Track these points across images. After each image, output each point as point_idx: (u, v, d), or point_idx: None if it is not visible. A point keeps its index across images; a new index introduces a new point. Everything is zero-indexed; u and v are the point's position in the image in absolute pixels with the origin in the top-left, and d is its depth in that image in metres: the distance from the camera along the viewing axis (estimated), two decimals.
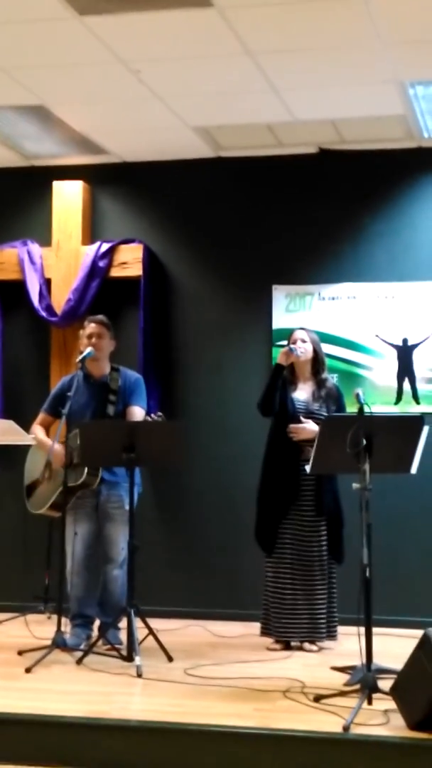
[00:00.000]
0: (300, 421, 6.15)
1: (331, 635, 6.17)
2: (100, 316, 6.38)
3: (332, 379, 6.62)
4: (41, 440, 6.27)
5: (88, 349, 6.18)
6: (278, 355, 6.31)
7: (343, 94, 6.47)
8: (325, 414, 6.11)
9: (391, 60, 5.91)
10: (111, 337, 6.31)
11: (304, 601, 6.11)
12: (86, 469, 5.97)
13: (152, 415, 5.94)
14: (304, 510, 6.15)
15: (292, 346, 6.24)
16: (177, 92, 6.46)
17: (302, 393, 6.29)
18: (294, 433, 6.13)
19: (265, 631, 6.23)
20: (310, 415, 6.18)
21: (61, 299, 7.59)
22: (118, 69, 6.08)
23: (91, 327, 6.27)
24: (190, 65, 6.05)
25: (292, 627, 6.12)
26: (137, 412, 6.14)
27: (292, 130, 7.06)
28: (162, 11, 5.35)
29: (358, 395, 5.26)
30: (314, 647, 6.12)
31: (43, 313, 7.60)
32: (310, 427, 6.08)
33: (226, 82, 6.27)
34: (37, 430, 6.33)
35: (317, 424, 5.98)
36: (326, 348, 6.80)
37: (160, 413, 5.94)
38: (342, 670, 5.40)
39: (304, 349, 6.26)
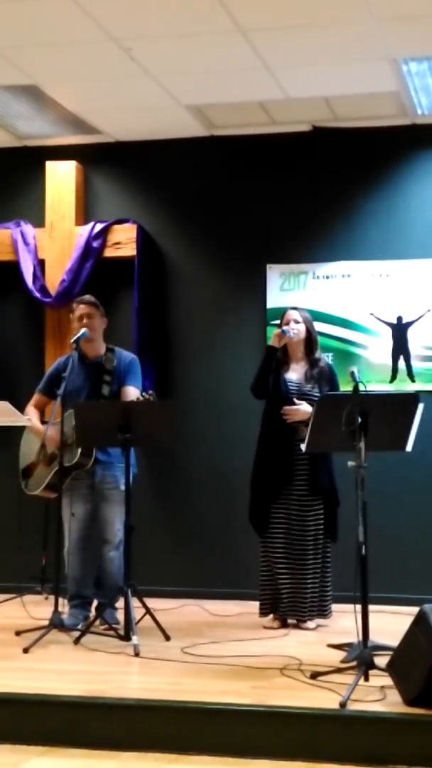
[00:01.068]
0: (293, 403, 6.14)
1: (326, 613, 6.18)
2: (87, 296, 6.36)
3: (326, 358, 6.62)
4: (35, 426, 6.25)
5: (82, 330, 6.16)
6: (271, 337, 6.30)
7: (336, 72, 6.44)
8: (318, 394, 6.11)
9: (384, 36, 5.88)
10: (101, 315, 6.29)
11: (300, 580, 6.12)
12: (79, 449, 5.97)
13: (144, 393, 5.93)
14: (298, 489, 6.15)
15: (285, 327, 6.23)
16: (169, 70, 6.43)
17: (294, 374, 6.28)
18: (288, 415, 6.13)
19: (264, 611, 6.24)
20: (302, 396, 6.18)
21: (55, 280, 7.58)
22: (110, 47, 6.04)
23: (80, 308, 6.25)
24: (182, 43, 6.02)
25: (289, 605, 6.14)
26: (131, 392, 6.13)
27: (285, 107, 7.04)
28: None
29: (353, 374, 5.25)
30: (311, 625, 6.14)
31: (37, 294, 7.59)
32: (304, 408, 6.08)
33: (218, 59, 6.24)
34: (31, 412, 6.31)
35: (310, 404, 5.99)
36: (321, 327, 6.80)
37: (151, 391, 5.93)
38: (338, 647, 5.42)
39: (297, 330, 6.25)
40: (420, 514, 7.11)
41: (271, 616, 6.22)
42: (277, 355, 6.23)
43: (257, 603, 6.30)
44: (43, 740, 4.26)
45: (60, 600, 5.82)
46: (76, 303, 6.32)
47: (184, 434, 6.33)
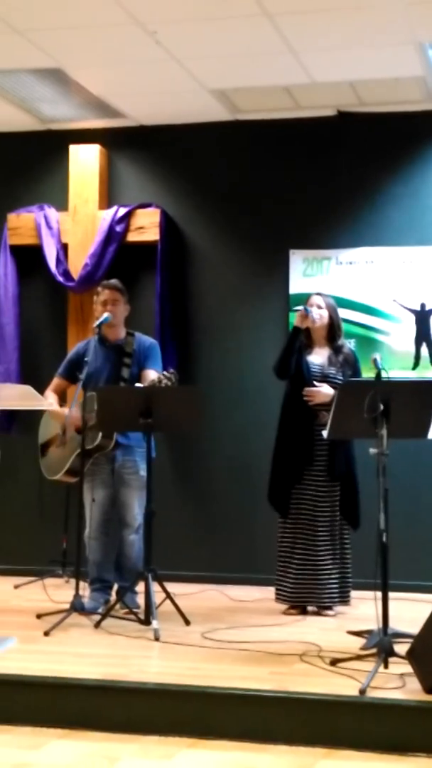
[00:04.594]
0: (314, 386, 6.12)
1: (345, 600, 6.17)
2: (114, 281, 6.36)
3: (349, 344, 6.59)
4: (56, 410, 6.27)
5: (105, 315, 6.17)
6: (294, 318, 6.28)
7: (362, 56, 6.40)
8: (341, 379, 6.09)
9: (410, 21, 5.84)
10: (125, 302, 6.30)
11: (316, 566, 6.10)
12: (100, 432, 5.98)
13: (164, 372, 5.92)
14: (317, 474, 6.13)
15: (307, 306, 6.20)
16: (194, 54, 6.41)
17: (318, 357, 6.26)
18: (309, 397, 6.11)
19: (279, 597, 6.24)
20: (325, 379, 6.16)
21: (77, 264, 7.58)
22: (135, 31, 6.03)
23: (105, 293, 6.26)
24: (207, 27, 6.00)
25: (305, 592, 6.13)
26: (152, 376, 6.13)
27: (310, 92, 7.00)
28: None
29: (375, 360, 5.23)
30: (330, 612, 6.13)
31: (60, 278, 7.60)
32: (324, 390, 6.06)
33: (243, 43, 6.21)
34: (51, 396, 6.33)
35: (333, 388, 5.97)
36: (344, 313, 6.77)
37: (172, 370, 5.93)
38: (358, 634, 5.41)
39: (319, 315, 6.23)
40: None
41: (287, 604, 6.21)
42: (301, 337, 6.21)
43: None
44: (63, 723, 4.27)
45: (81, 583, 5.83)
46: (102, 287, 6.32)
47: (205, 419, 6.32)
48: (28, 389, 5.97)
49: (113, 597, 6.15)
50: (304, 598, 6.15)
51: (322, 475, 6.14)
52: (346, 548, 6.19)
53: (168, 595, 5.72)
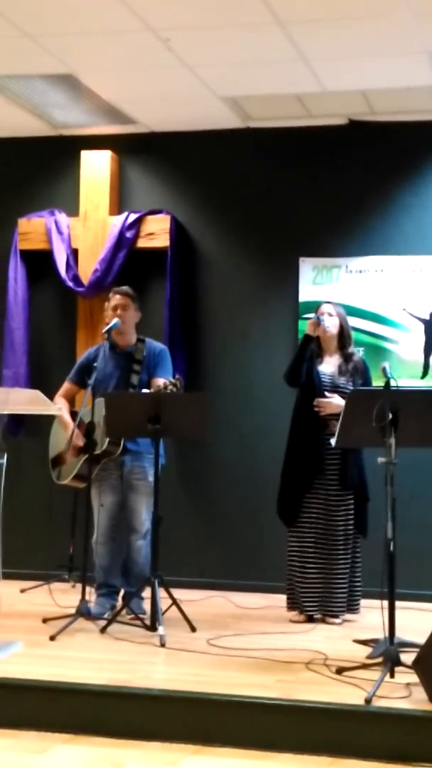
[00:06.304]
0: (325, 396, 6.13)
1: (354, 609, 6.17)
2: (125, 288, 6.37)
3: (359, 353, 6.59)
4: (64, 419, 6.28)
5: (114, 320, 6.18)
6: (306, 326, 6.29)
7: (374, 65, 6.41)
8: (351, 388, 6.09)
9: (422, 30, 5.84)
10: (136, 309, 6.31)
11: (328, 575, 6.10)
12: (108, 438, 5.99)
13: (170, 378, 5.93)
14: (328, 483, 6.13)
15: (319, 315, 6.22)
16: (206, 61, 6.42)
17: (328, 366, 6.26)
18: (320, 408, 6.11)
19: (291, 605, 6.23)
20: (335, 388, 6.16)
21: (87, 269, 7.59)
22: (148, 37, 6.04)
23: (116, 299, 6.28)
24: (219, 34, 6.01)
25: (316, 600, 6.13)
26: (160, 383, 6.13)
27: (321, 100, 7.01)
28: None
29: (384, 369, 5.23)
30: (337, 620, 6.12)
31: (70, 284, 7.61)
32: (336, 401, 6.06)
33: (255, 51, 6.22)
34: (61, 402, 6.33)
35: (342, 398, 5.96)
36: (353, 321, 6.77)
37: (178, 376, 5.94)
38: (364, 643, 5.40)
39: (331, 324, 6.23)
40: None
41: (297, 611, 6.20)
42: (312, 346, 6.22)
43: (284, 596, 6.29)
44: (67, 728, 4.27)
45: (87, 588, 5.83)
46: (113, 292, 6.34)
47: (214, 426, 6.33)
48: (36, 394, 5.99)
49: (119, 602, 6.15)
50: (317, 606, 6.13)
51: (333, 485, 6.13)
52: (357, 557, 6.18)
53: (174, 602, 5.72)
